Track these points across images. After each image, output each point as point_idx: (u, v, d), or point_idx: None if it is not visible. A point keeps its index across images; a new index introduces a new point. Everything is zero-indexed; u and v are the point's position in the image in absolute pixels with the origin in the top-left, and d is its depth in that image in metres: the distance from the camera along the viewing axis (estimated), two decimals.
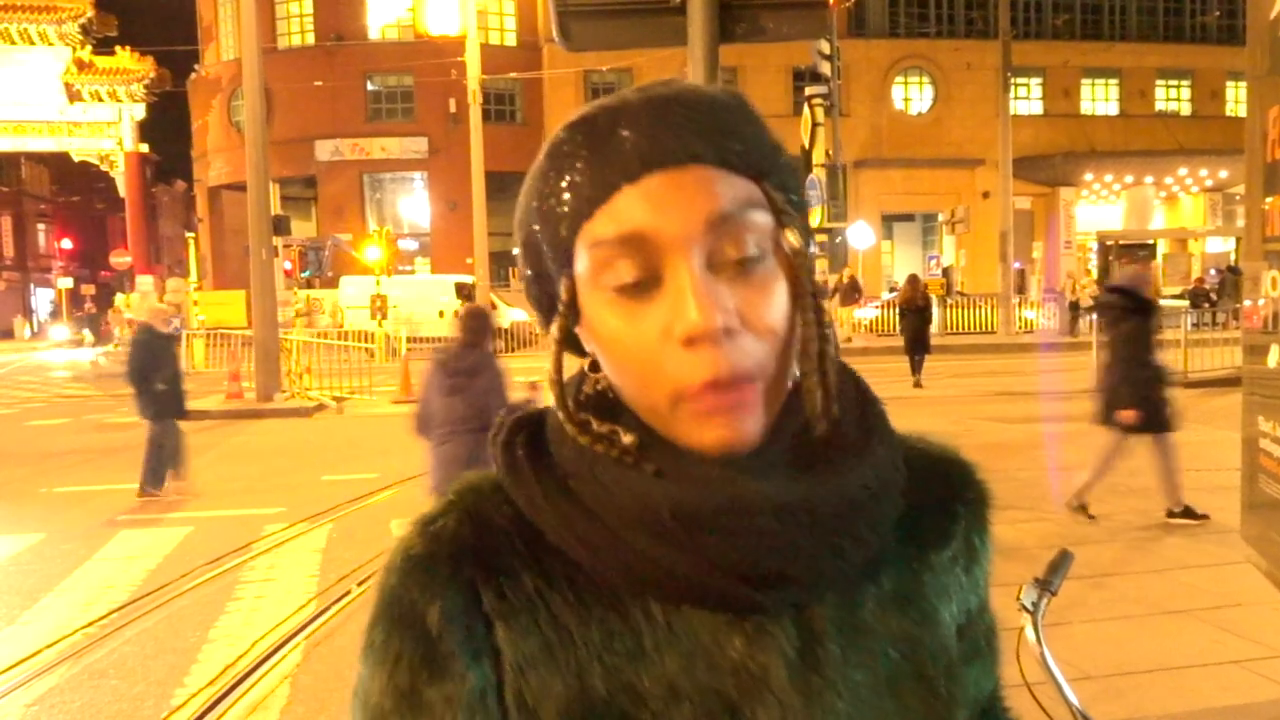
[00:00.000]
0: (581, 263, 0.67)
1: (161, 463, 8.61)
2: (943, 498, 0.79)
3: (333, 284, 31.05)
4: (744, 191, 0.67)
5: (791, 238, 0.69)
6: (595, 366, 0.72)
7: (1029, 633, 1.67)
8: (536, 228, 0.70)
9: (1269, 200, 3.78)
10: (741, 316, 0.65)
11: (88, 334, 36.21)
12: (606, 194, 0.65)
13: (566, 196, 0.67)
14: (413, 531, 0.72)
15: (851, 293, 23.32)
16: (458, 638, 0.68)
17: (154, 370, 8.44)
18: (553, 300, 0.71)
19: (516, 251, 0.74)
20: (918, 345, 15.54)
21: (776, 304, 0.67)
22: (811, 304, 0.69)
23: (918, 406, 13.17)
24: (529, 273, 0.73)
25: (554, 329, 0.71)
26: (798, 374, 0.70)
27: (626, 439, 0.69)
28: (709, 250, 0.65)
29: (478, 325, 5.38)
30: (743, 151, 0.67)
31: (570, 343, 0.72)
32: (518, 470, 0.72)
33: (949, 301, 25.96)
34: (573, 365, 0.76)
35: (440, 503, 0.74)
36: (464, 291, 27.54)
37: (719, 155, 0.66)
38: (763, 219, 0.67)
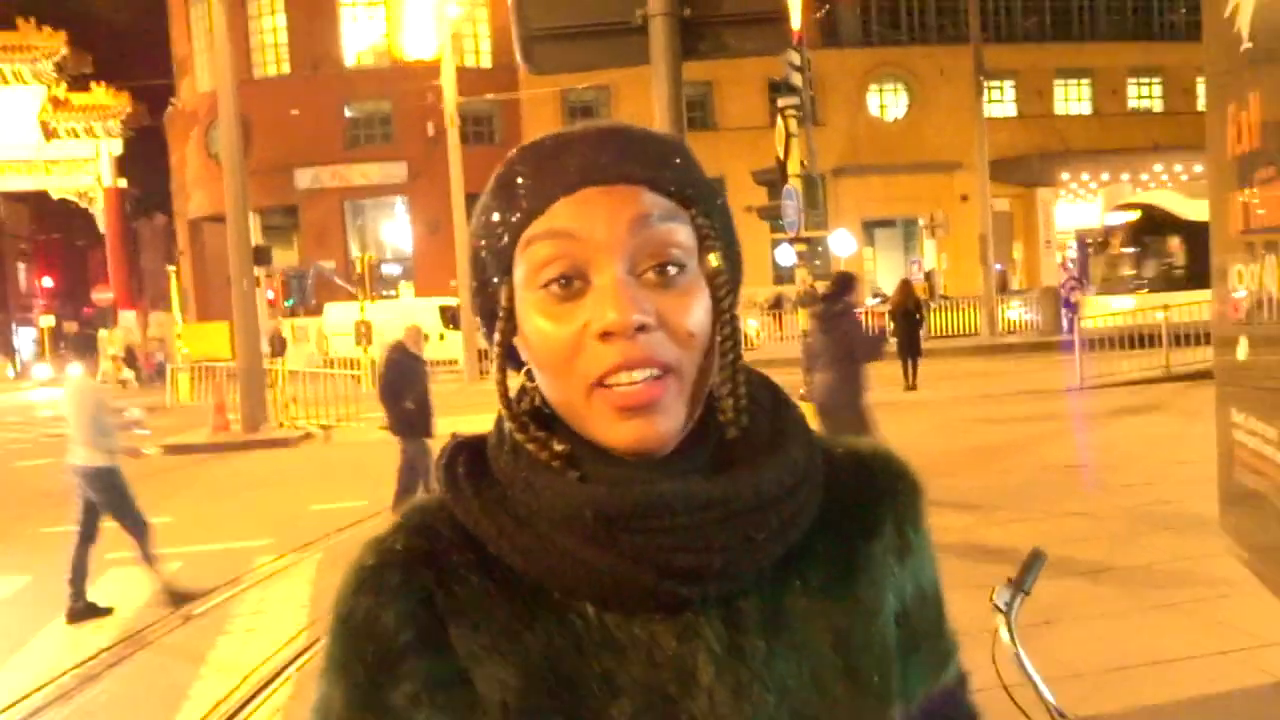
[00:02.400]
0: (519, 269, 0.73)
1: (414, 481, 8.50)
2: (870, 492, 0.82)
3: (317, 311, 30.97)
4: (669, 210, 0.73)
5: (713, 259, 0.74)
6: (532, 376, 0.76)
7: (1003, 633, 1.68)
8: (482, 242, 0.76)
9: (1241, 194, 3.81)
10: (660, 318, 0.70)
11: (127, 371, 31.27)
12: (545, 204, 0.72)
13: (511, 211, 0.73)
14: (364, 550, 0.76)
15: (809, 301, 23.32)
16: (416, 637, 0.72)
17: (405, 389, 8.36)
18: (495, 310, 0.76)
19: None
20: (910, 349, 15.67)
21: (696, 311, 0.72)
22: (728, 319, 0.75)
23: (907, 410, 13.20)
24: (475, 284, 0.79)
25: (495, 335, 0.76)
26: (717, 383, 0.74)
27: (558, 447, 0.74)
28: (633, 258, 0.71)
29: (844, 281, 7.39)
30: (673, 179, 0.74)
31: (510, 357, 0.77)
32: (458, 487, 0.76)
33: (932, 305, 26.05)
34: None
35: (389, 525, 0.78)
36: (448, 314, 27.50)
37: (650, 178, 0.73)
38: (685, 236, 0.73)
